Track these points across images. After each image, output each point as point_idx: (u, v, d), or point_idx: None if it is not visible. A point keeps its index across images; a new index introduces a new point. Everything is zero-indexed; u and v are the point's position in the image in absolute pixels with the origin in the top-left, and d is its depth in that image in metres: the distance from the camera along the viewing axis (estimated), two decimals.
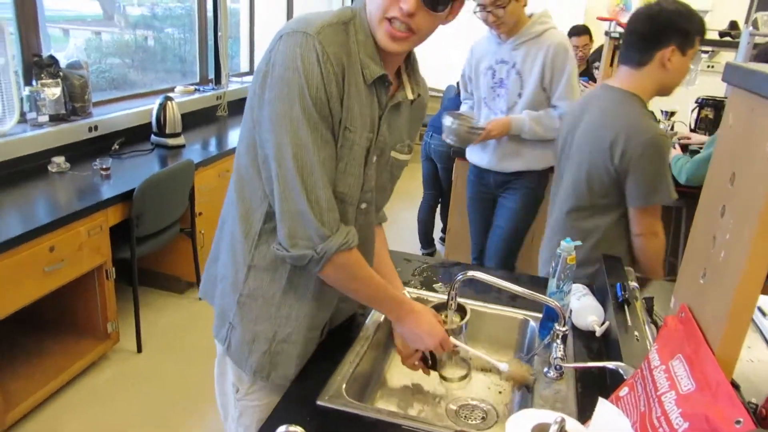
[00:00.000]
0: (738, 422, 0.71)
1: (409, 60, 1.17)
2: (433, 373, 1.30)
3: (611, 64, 3.46)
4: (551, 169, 2.60)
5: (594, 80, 3.86)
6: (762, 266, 0.77)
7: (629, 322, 1.26)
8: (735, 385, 1.10)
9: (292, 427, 0.60)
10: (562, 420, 0.62)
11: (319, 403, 1.07)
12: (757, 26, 1.54)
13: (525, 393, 1.24)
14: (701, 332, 0.88)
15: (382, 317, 1.37)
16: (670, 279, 1.61)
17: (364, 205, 1.16)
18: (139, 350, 2.72)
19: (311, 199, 0.99)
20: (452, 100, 3.87)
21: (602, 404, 0.67)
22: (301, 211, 1.00)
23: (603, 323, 1.37)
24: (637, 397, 0.92)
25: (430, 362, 1.29)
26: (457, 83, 3.91)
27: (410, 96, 1.16)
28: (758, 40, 1.41)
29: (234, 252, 1.15)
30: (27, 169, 2.60)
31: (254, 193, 1.09)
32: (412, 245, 4.09)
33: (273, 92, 0.98)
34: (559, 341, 1.20)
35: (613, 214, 1.73)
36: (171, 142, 3.21)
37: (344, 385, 1.12)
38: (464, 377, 1.26)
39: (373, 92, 1.07)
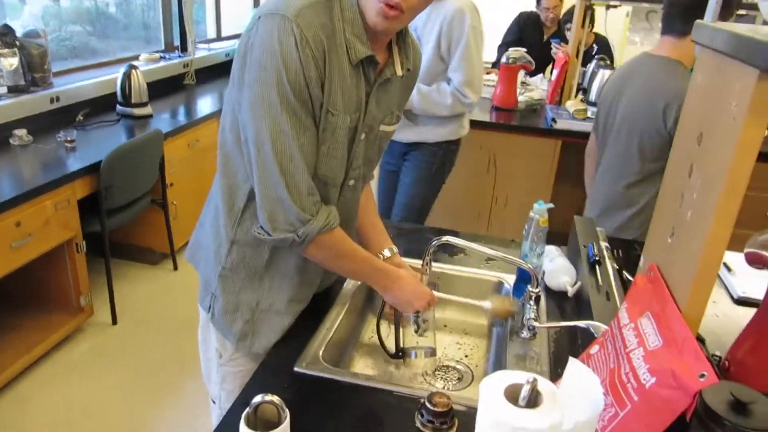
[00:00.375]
0: (702, 376, 0.73)
1: (401, 34, 1.13)
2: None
3: (582, 26, 3.45)
4: (453, 143, 2.59)
5: (566, 42, 3.85)
6: (727, 225, 0.78)
7: (600, 282, 1.29)
8: (700, 339, 1.13)
9: (268, 396, 0.60)
10: (534, 380, 0.63)
11: (296, 369, 1.08)
12: None
13: (499, 352, 1.27)
14: (669, 290, 0.90)
15: (359, 282, 1.38)
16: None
17: (352, 182, 1.16)
18: (114, 322, 2.71)
19: (290, 185, 0.99)
20: None
21: (572, 363, 0.68)
22: (280, 198, 1.00)
23: (575, 284, 1.39)
24: (606, 354, 0.95)
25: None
26: None
27: (399, 72, 1.12)
28: None
29: (217, 225, 1.15)
30: None
31: (238, 171, 1.08)
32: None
33: (252, 75, 0.96)
34: (532, 302, 1.21)
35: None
36: (137, 112, 3.13)
37: (321, 351, 1.13)
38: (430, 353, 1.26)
39: (359, 71, 1.04)
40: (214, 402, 1.30)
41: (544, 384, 0.67)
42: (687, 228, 0.88)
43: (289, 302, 1.18)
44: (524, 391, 0.65)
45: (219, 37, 4.75)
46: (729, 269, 1.50)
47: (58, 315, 2.53)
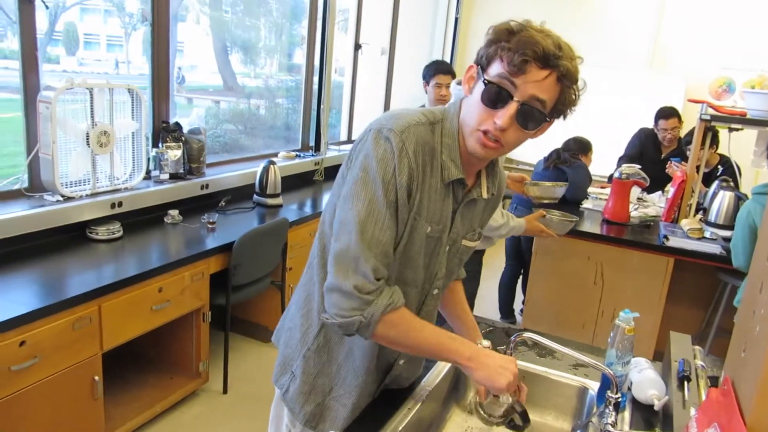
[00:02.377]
0: None
1: (491, 162, 1.27)
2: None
3: (702, 146, 3.43)
4: None
5: (686, 160, 3.81)
6: None
7: (687, 398, 1.28)
8: None
9: None
10: None
11: None
12: None
13: None
14: (738, 403, 0.92)
15: (444, 371, 1.46)
16: None
17: (435, 291, 1.28)
18: (225, 391, 2.92)
19: (353, 278, 1.07)
20: (539, 175, 3.96)
21: None
22: (341, 288, 1.08)
23: (663, 398, 1.38)
24: None
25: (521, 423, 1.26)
26: (545, 158, 4.01)
27: (485, 195, 1.25)
28: None
29: (309, 309, 1.26)
30: (147, 219, 2.95)
31: None
32: (493, 315, 4.11)
33: (353, 174, 1.11)
34: (611, 408, 1.23)
35: None
36: (270, 201, 3.52)
37: (400, 429, 1.21)
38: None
39: (449, 190, 1.18)
40: None
41: None
42: (755, 342, 0.90)
43: (358, 397, 1.27)
44: None
45: (349, 140, 5.22)
46: None
47: (179, 377, 2.80)
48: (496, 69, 1.06)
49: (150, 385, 2.73)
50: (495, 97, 1.06)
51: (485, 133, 1.08)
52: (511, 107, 1.05)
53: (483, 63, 1.09)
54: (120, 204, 2.78)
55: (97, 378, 2.21)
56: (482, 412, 1.25)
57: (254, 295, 3.06)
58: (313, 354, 1.27)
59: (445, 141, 1.15)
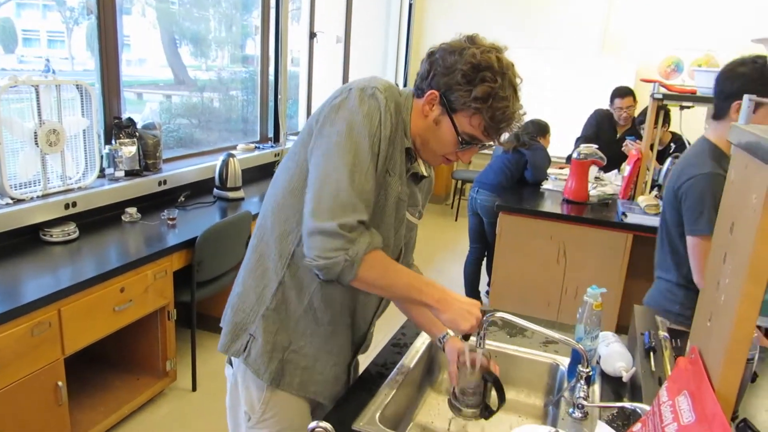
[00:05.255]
0: None
1: None
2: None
3: (656, 125, 3.52)
4: None
5: (640, 139, 3.92)
6: (753, 308, 0.84)
7: (653, 368, 1.32)
8: (753, 430, 1.14)
9: (323, 423, 0.70)
10: (557, 431, 0.71)
11: (354, 428, 1.17)
12: None
13: None
14: (706, 371, 0.95)
15: (417, 356, 1.47)
16: None
17: (400, 261, 1.33)
18: (194, 389, 2.88)
19: (340, 218, 1.10)
20: (500, 158, 4.01)
21: (600, 426, 0.76)
22: (327, 228, 1.10)
23: (630, 369, 1.42)
24: (647, 431, 0.99)
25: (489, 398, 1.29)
26: (505, 141, 4.05)
27: (424, 172, 1.34)
28: (758, 101, 1.53)
29: (264, 271, 1.28)
30: (103, 218, 2.86)
31: (290, 217, 1.23)
32: None
33: (337, 128, 1.14)
34: (582, 382, 1.26)
35: None
36: (231, 195, 3.46)
37: (378, 414, 1.22)
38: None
39: (404, 156, 1.25)
40: None
41: None
42: (720, 312, 0.94)
43: (318, 349, 1.29)
44: None
45: None
46: None
47: (145, 378, 2.74)
48: (467, 127, 1.19)
49: (116, 387, 2.67)
50: (466, 146, 1.22)
51: (446, 158, 1.26)
52: (475, 148, 1.24)
53: (450, 101, 1.18)
54: (74, 204, 2.68)
55: (60, 383, 2.14)
56: (457, 403, 1.27)
57: (220, 291, 3.01)
58: (272, 312, 1.27)
59: (401, 115, 1.23)
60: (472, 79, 1.14)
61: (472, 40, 1.18)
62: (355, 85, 1.17)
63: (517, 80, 1.19)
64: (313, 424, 0.68)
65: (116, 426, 2.55)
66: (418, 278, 1.24)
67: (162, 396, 2.80)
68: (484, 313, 1.26)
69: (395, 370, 1.40)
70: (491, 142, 1.23)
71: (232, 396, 1.37)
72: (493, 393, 1.26)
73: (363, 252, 1.11)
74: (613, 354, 1.46)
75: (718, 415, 0.84)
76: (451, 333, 1.39)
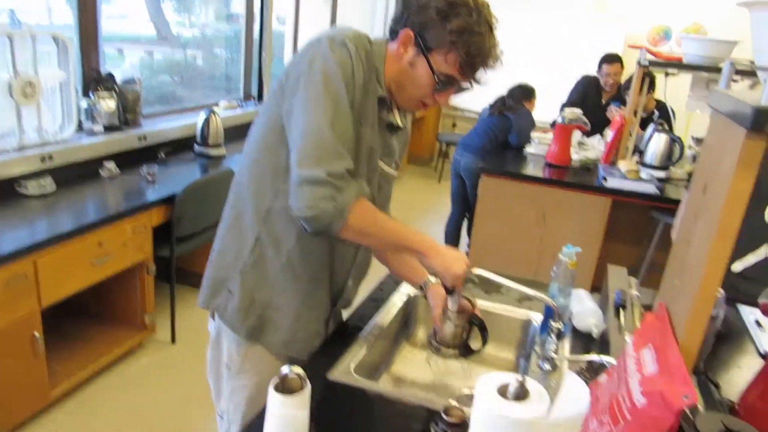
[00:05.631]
0: (686, 397, 0.80)
1: None
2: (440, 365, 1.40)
3: (640, 92, 3.53)
4: None
5: (625, 105, 3.92)
6: (719, 267, 0.86)
7: (622, 325, 1.35)
8: (713, 383, 1.18)
9: (295, 368, 0.71)
10: (523, 378, 0.72)
11: (329, 377, 1.19)
12: None
13: None
14: (671, 326, 0.97)
15: (394, 311, 1.49)
16: None
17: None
18: (173, 341, 2.91)
19: (328, 166, 1.09)
20: (485, 121, 4.00)
21: (569, 374, 0.78)
22: (315, 177, 1.08)
23: (601, 326, 1.45)
24: (612, 382, 1.02)
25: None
26: (490, 105, 4.04)
27: (399, 123, 1.31)
28: (742, 66, 1.51)
29: (241, 227, 1.27)
30: (81, 173, 2.82)
31: (265, 173, 1.22)
32: None
33: (310, 79, 1.12)
34: (553, 336, 1.29)
35: None
36: (213, 152, 3.42)
37: (353, 365, 1.24)
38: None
39: (376, 105, 1.23)
40: (221, 417, 1.39)
41: (533, 384, 0.76)
42: (689, 270, 0.96)
43: (299, 306, 1.29)
44: (512, 387, 0.74)
45: None
46: (760, 326, 1.52)
47: (124, 330, 2.75)
48: (443, 66, 1.15)
49: (95, 339, 2.68)
50: (443, 88, 1.19)
51: (423, 102, 1.23)
52: (452, 90, 1.20)
53: (425, 39, 1.15)
54: (51, 158, 2.64)
55: (37, 334, 2.14)
56: (436, 344, 1.30)
57: (199, 246, 3.01)
58: (250, 269, 1.27)
59: (374, 63, 1.21)
60: (446, 15, 1.12)
61: None
62: (324, 35, 1.15)
63: (493, 20, 1.16)
64: (285, 368, 0.69)
65: (95, 377, 2.57)
66: (407, 227, 1.24)
67: (141, 348, 2.83)
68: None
69: (371, 323, 1.42)
70: (468, 83, 1.19)
71: (213, 349, 1.38)
72: (477, 335, 1.29)
73: (352, 200, 1.11)
74: (585, 311, 1.49)
75: (679, 366, 0.86)
76: (433, 280, 1.40)
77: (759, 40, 1.04)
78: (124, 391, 2.55)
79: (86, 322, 2.78)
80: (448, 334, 1.29)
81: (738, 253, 1.80)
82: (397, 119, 1.31)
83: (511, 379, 0.75)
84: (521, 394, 0.74)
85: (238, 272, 1.28)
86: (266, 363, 1.31)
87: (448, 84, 1.18)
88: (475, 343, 1.34)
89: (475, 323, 1.29)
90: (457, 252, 1.25)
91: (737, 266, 1.62)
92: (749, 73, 2.99)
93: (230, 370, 1.33)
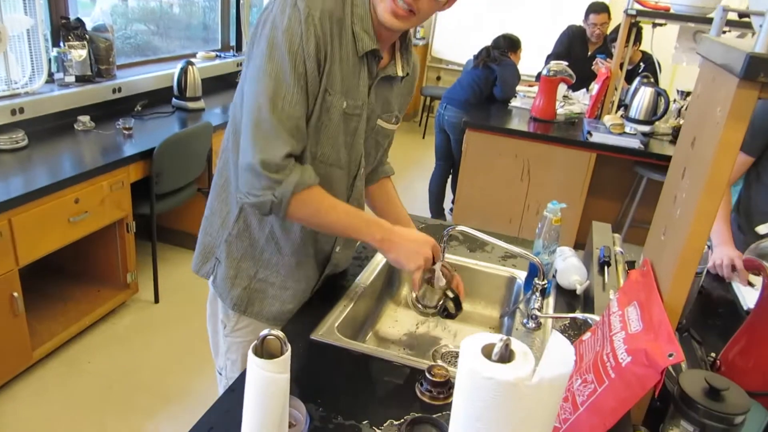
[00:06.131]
0: (671, 355, 0.80)
1: (404, 39, 1.24)
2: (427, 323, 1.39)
3: (627, 43, 3.47)
4: None
5: (611, 57, 3.87)
6: (707, 222, 0.85)
7: (607, 281, 1.35)
8: (696, 340, 1.19)
9: (274, 331, 0.70)
10: (507, 339, 0.71)
11: (311, 337, 1.18)
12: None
13: None
14: (656, 282, 0.97)
15: (378, 268, 1.48)
16: None
17: (362, 171, 1.26)
18: (156, 300, 2.89)
19: (261, 155, 1.04)
20: (469, 73, 3.93)
21: (554, 335, 0.77)
22: (251, 166, 1.05)
23: (585, 282, 1.45)
24: (596, 340, 1.02)
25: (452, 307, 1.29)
26: (475, 56, 3.96)
27: (400, 72, 1.23)
28: (730, 16, 1.47)
29: (227, 196, 1.24)
30: (54, 126, 2.73)
31: None
32: (423, 215, 4.18)
33: (259, 48, 1.06)
34: (537, 294, 1.29)
35: None
36: (191, 105, 3.33)
37: (336, 324, 1.23)
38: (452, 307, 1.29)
39: (363, 63, 1.14)
40: (220, 374, 1.39)
41: (518, 345, 0.75)
42: (675, 225, 0.94)
43: (285, 279, 1.27)
44: (497, 348, 0.73)
45: None
46: (752, 285, 1.54)
47: (106, 290, 2.73)
48: None
49: (76, 299, 2.65)
50: None
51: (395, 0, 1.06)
52: None
53: None
54: (21, 110, 2.55)
55: (16, 294, 2.11)
56: (418, 305, 1.28)
57: (180, 203, 2.96)
58: (234, 239, 1.25)
59: (357, 11, 1.11)
60: None
61: None
62: None
63: None
64: (265, 331, 0.67)
65: (78, 336, 2.55)
66: (358, 216, 1.17)
67: (124, 307, 2.80)
68: (437, 249, 1.22)
69: (355, 282, 1.41)
70: None
71: (212, 305, 1.37)
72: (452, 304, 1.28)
73: (290, 192, 1.07)
74: (569, 268, 1.48)
75: (664, 324, 0.86)
76: None
77: None
78: (109, 351, 2.54)
79: (67, 282, 2.74)
80: (425, 298, 1.28)
81: (763, 216, 1.80)
82: (398, 69, 1.23)
83: (496, 340, 0.74)
84: (506, 356, 0.72)
85: (224, 241, 1.26)
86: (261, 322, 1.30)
87: None
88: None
89: (449, 297, 1.26)
90: (417, 242, 1.18)
91: (762, 229, 1.61)
92: (740, 23, 2.94)
93: (226, 327, 1.32)
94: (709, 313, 1.50)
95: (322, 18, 1.05)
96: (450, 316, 1.29)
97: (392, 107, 1.28)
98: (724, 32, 3.64)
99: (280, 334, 0.70)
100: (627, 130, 3.24)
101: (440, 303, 1.27)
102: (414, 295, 1.28)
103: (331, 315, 1.26)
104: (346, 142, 1.19)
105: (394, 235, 1.17)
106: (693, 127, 0.98)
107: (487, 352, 0.75)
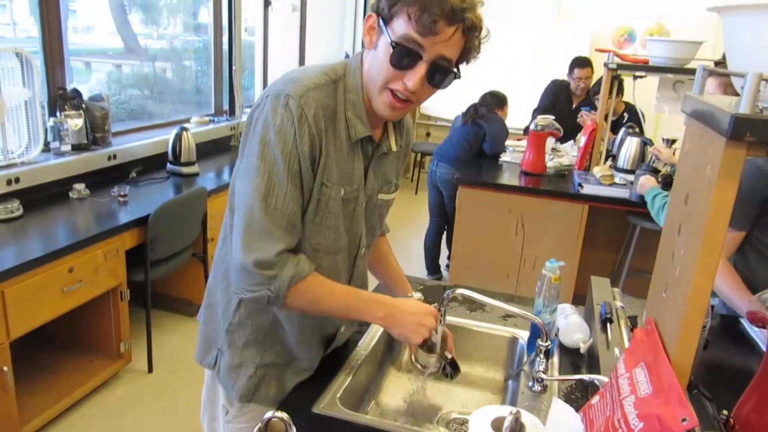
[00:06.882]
0: (684, 420, 0.78)
1: None
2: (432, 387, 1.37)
3: (610, 95, 3.56)
4: None
5: (595, 110, 3.96)
6: (708, 279, 0.85)
7: (610, 339, 1.34)
8: (707, 397, 1.17)
9: (278, 413, 0.68)
10: (518, 412, 0.70)
11: (314, 410, 1.15)
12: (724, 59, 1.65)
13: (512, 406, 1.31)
14: (662, 342, 0.96)
15: (378, 335, 1.46)
16: None
17: (363, 251, 1.26)
18: (150, 370, 2.82)
19: (253, 255, 1.05)
20: (458, 130, 4.00)
21: (555, 402, 0.75)
22: (244, 266, 1.06)
23: (588, 341, 1.44)
24: (605, 404, 1.00)
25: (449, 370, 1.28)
26: (463, 113, 4.04)
27: (394, 148, 1.24)
28: (711, 71, 1.53)
29: (228, 285, 1.22)
30: (50, 194, 2.74)
31: None
32: (419, 272, 4.17)
33: (251, 146, 1.06)
34: (542, 356, 1.27)
35: None
36: (186, 170, 3.35)
37: (338, 396, 1.20)
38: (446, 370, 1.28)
39: (357, 148, 1.15)
40: None
41: (528, 417, 0.73)
42: (676, 283, 0.94)
43: (291, 360, 1.25)
44: (507, 422, 0.72)
45: None
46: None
47: (99, 360, 2.66)
48: (401, 27, 1.01)
49: (68, 370, 2.58)
50: (404, 60, 1.03)
51: (393, 92, 1.06)
52: (421, 68, 1.03)
53: (385, 14, 1.04)
54: (17, 180, 2.56)
55: (6, 368, 2.06)
56: (418, 366, 1.26)
57: (175, 269, 2.94)
58: (236, 327, 1.22)
59: (350, 97, 1.11)
60: None
61: None
62: (271, 92, 1.06)
63: None
64: (268, 414, 0.66)
65: (69, 410, 2.47)
66: (357, 296, 1.16)
67: (117, 378, 2.73)
68: (438, 318, 1.21)
69: (355, 350, 1.38)
70: (425, 44, 1.01)
71: (209, 391, 1.34)
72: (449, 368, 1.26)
73: (286, 285, 1.07)
74: (571, 326, 1.47)
75: (674, 386, 0.85)
76: (416, 296, 1.36)
77: (732, 45, 1.03)
78: (101, 424, 2.46)
79: (58, 353, 2.68)
80: (423, 361, 1.26)
81: None
82: (392, 143, 1.23)
83: (506, 413, 0.72)
84: (516, 429, 0.71)
85: (225, 331, 1.23)
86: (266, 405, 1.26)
87: (407, 52, 1.02)
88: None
89: (446, 361, 1.24)
90: (419, 314, 1.17)
91: None
92: (719, 73, 3.03)
93: (228, 412, 1.28)
94: (718, 366, 1.48)
95: (316, 116, 1.05)
96: (449, 375, 1.27)
97: (390, 178, 1.28)
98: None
99: (284, 416, 0.68)
100: (617, 180, 3.29)
101: (438, 365, 1.26)
102: (412, 355, 1.27)
103: (332, 386, 1.23)
104: (345, 226, 1.18)
105: (396, 310, 1.16)
106: (685, 184, 1.00)
107: (497, 425, 0.73)
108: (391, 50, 1.02)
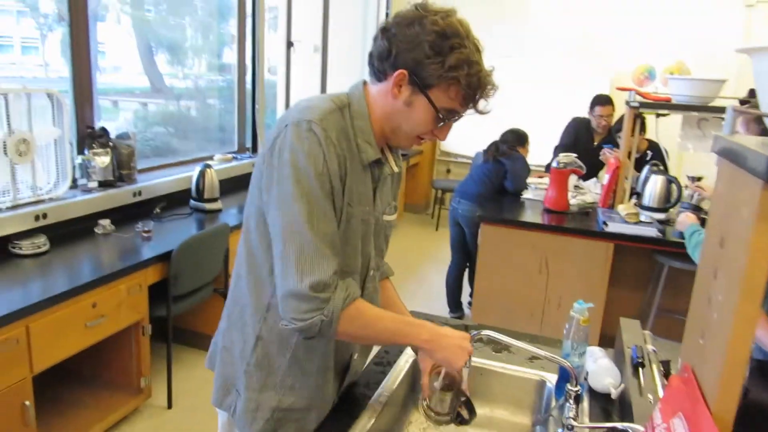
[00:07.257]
0: None
1: None
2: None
3: (633, 133, 3.54)
4: None
5: (617, 147, 3.94)
6: (749, 325, 0.82)
7: (643, 384, 1.29)
8: None
9: None
10: None
11: None
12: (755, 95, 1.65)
13: None
14: (700, 391, 0.92)
15: (401, 375, 1.43)
16: None
17: (372, 273, 1.27)
18: (170, 406, 2.80)
19: (310, 278, 1.05)
20: (480, 167, 4.00)
21: None
22: (298, 291, 1.05)
23: (619, 386, 1.39)
24: None
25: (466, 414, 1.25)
26: (484, 150, 4.05)
27: (396, 169, 1.28)
28: (743, 111, 1.51)
29: (243, 323, 1.22)
30: (75, 230, 2.77)
31: (263, 268, 1.16)
32: (441, 309, 4.12)
33: (282, 174, 1.07)
34: (571, 401, 1.23)
35: None
36: (208, 206, 3.39)
37: None
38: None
39: (367, 171, 1.18)
40: None
41: None
42: (714, 329, 0.91)
43: (309, 401, 1.23)
44: None
45: None
46: None
47: (119, 395, 2.65)
48: (445, 101, 1.10)
49: (88, 405, 2.57)
50: (443, 122, 1.14)
51: (420, 137, 1.17)
52: (452, 123, 1.16)
53: (421, 77, 1.09)
54: (45, 216, 2.60)
55: (27, 403, 2.05)
56: (431, 413, 1.23)
57: (197, 304, 2.94)
58: (254, 369, 1.21)
59: (357, 124, 1.15)
60: (441, 49, 1.06)
61: (424, 7, 1.09)
62: (290, 120, 1.08)
63: (479, 43, 1.12)
64: None
65: None
66: (402, 321, 1.20)
67: (137, 413, 2.71)
68: (472, 338, 1.22)
69: (378, 391, 1.36)
70: (466, 112, 1.15)
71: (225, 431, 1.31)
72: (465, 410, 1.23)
73: (339, 309, 1.07)
74: (601, 370, 1.43)
75: None
76: None
77: (763, 86, 1.02)
78: None
79: (79, 387, 2.68)
80: (436, 403, 1.22)
81: None
82: (393, 165, 1.27)
83: None
84: None
85: (243, 372, 1.22)
86: None
87: (450, 118, 1.14)
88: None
89: (462, 401, 1.22)
90: (459, 338, 1.19)
91: None
92: (752, 114, 3.01)
93: None
94: (759, 414, 1.42)
95: (339, 137, 1.10)
96: (464, 422, 1.23)
97: (390, 200, 1.31)
98: (707, 119, 3.66)
99: None
100: (642, 218, 3.24)
101: (452, 410, 1.23)
102: (425, 403, 1.24)
103: (355, 428, 1.21)
104: (360, 249, 1.20)
105: (437, 335, 1.18)
106: (719, 227, 0.97)
107: None
108: (434, 114, 1.11)
